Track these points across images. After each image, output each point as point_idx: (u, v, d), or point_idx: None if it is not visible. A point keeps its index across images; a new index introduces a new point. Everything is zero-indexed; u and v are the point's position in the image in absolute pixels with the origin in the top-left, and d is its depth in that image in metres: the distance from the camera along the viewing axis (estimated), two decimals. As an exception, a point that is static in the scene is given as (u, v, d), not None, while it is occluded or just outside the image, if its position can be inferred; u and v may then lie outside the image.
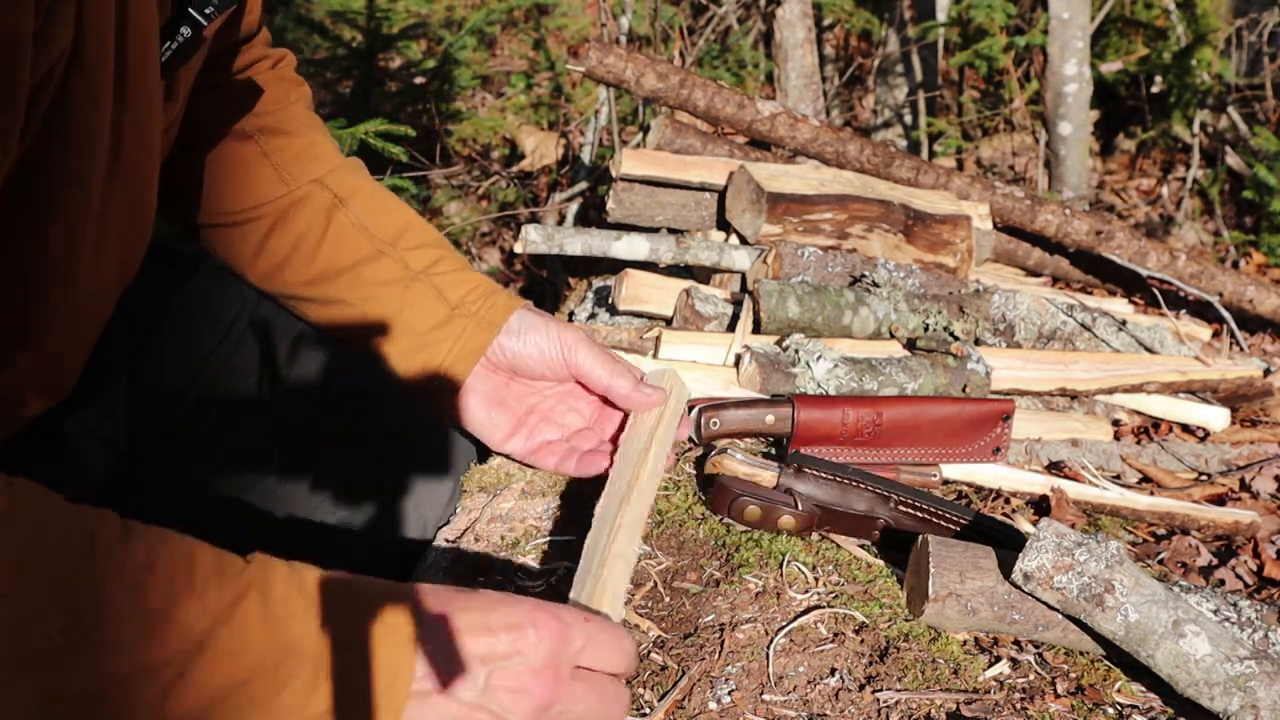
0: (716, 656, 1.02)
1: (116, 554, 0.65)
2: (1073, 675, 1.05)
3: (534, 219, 3.83)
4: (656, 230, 1.91)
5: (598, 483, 1.27)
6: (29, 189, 0.79)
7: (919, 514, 1.22)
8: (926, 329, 1.63)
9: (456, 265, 1.20)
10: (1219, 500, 1.54)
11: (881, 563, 1.20)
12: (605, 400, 1.22)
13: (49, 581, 0.62)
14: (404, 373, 1.18)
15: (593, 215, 3.30)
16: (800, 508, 1.20)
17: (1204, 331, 2.04)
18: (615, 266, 1.85)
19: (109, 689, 0.62)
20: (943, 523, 1.23)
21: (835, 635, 1.07)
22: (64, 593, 0.62)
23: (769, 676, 1.00)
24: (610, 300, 1.72)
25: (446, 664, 0.69)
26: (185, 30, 0.91)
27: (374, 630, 0.69)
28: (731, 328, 1.60)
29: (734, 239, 1.82)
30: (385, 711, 0.68)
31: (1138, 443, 1.68)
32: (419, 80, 3.60)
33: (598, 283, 2.08)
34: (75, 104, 0.79)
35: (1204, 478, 1.60)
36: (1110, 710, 1.01)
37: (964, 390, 1.50)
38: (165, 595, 0.65)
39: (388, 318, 1.17)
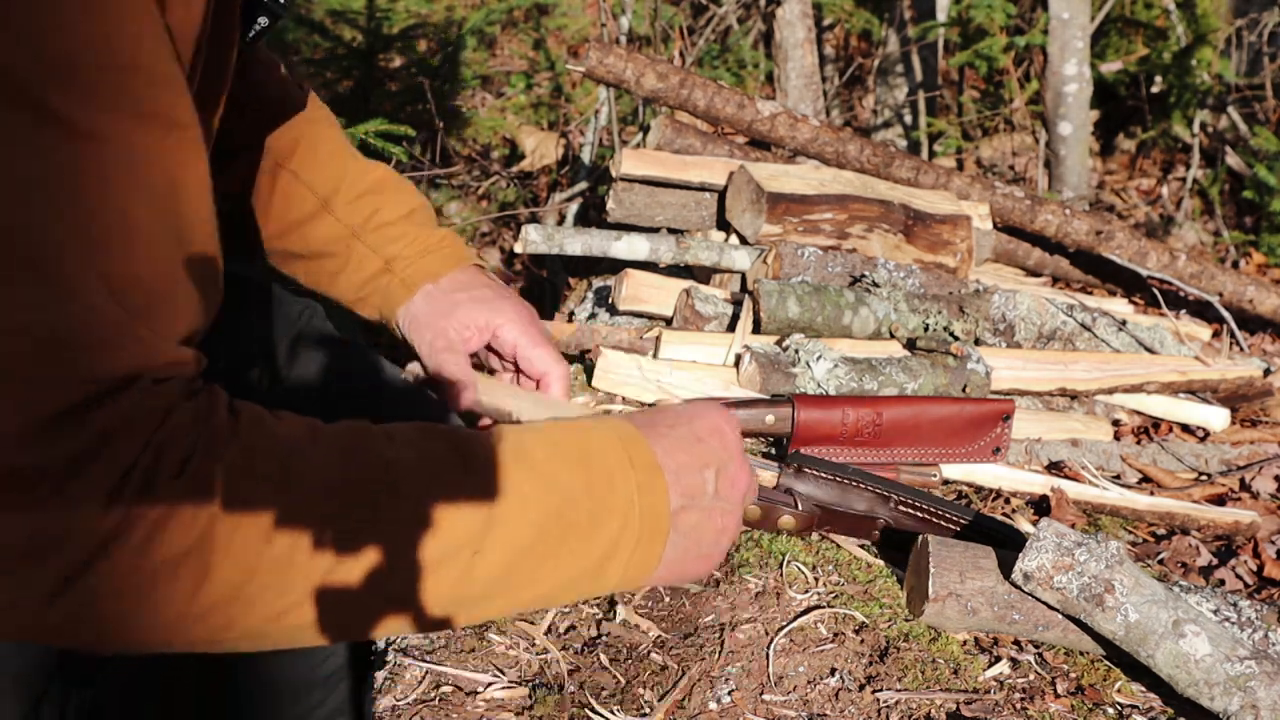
0: (716, 656, 1.02)
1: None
2: (1073, 675, 1.05)
3: (534, 219, 3.83)
4: (656, 230, 1.91)
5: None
6: None
7: (919, 514, 1.22)
8: (926, 329, 1.63)
9: (395, 213, 1.19)
10: (1219, 500, 1.54)
11: (881, 563, 1.20)
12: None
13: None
14: (360, 317, 1.22)
15: (593, 215, 3.30)
16: (800, 508, 1.20)
17: (1204, 331, 2.04)
18: (615, 266, 1.85)
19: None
20: (943, 523, 1.23)
21: (835, 635, 1.07)
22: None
23: (769, 676, 1.00)
24: (610, 300, 1.72)
25: (685, 482, 0.79)
26: (263, 20, 0.90)
27: (630, 469, 0.77)
28: (731, 328, 1.60)
29: (734, 239, 1.82)
30: (658, 537, 0.77)
31: (1138, 443, 1.68)
32: (419, 80, 3.60)
33: (598, 283, 2.09)
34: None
35: (1204, 478, 1.60)
36: (1110, 710, 1.01)
37: (964, 390, 1.50)
38: (444, 484, 0.70)
39: (333, 272, 1.19)
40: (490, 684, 0.98)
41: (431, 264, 1.17)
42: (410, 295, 1.16)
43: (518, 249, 1.73)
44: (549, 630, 1.05)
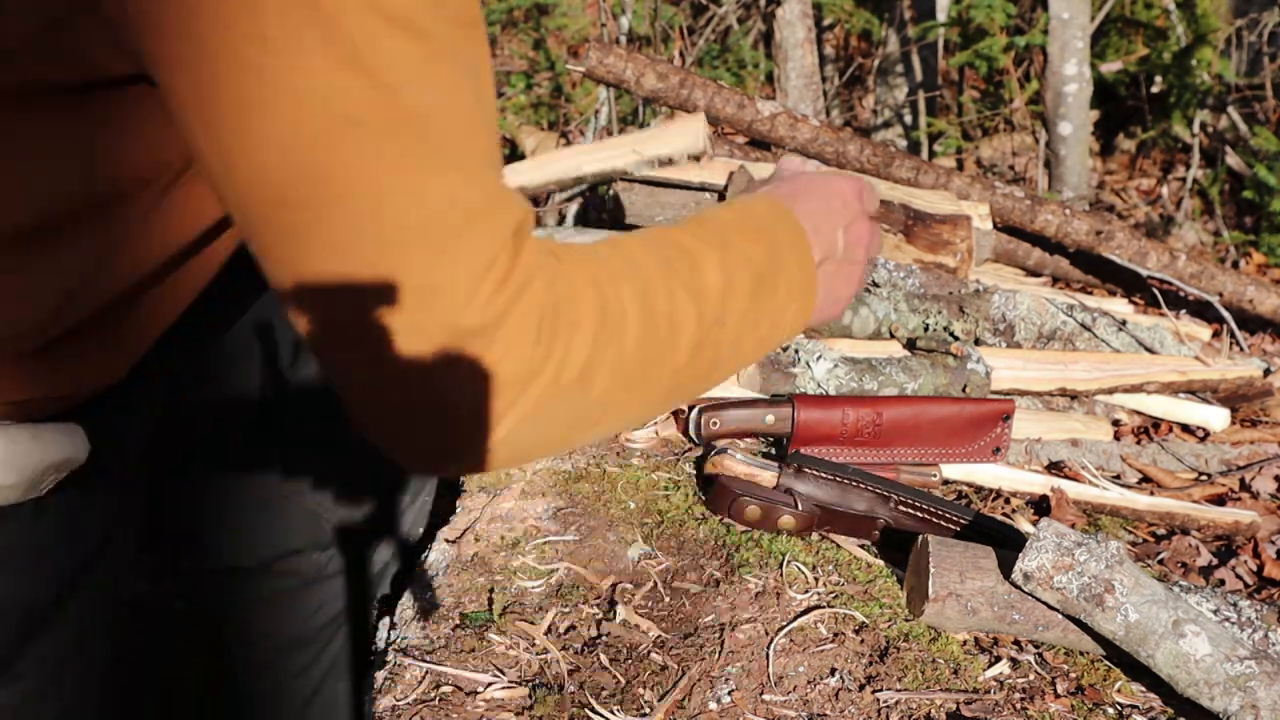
0: (716, 656, 1.02)
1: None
2: (1073, 675, 1.05)
3: (535, 216, 3.82)
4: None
5: (598, 483, 1.28)
6: None
7: (919, 514, 1.22)
8: (926, 329, 1.63)
9: None
10: (1219, 500, 1.54)
11: (881, 563, 1.20)
12: None
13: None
14: None
15: (593, 215, 3.30)
16: (800, 508, 1.20)
17: (1204, 331, 2.04)
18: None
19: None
20: (943, 523, 1.23)
21: (835, 635, 1.07)
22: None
23: (769, 676, 1.00)
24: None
25: (823, 240, 0.95)
26: None
27: (788, 234, 0.93)
28: (731, 328, 1.60)
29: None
30: (810, 287, 0.93)
31: (1138, 443, 1.68)
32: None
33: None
34: None
35: (1204, 478, 1.60)
36: (1110, 710, 1.01)
37: (964, 390, 1.50)
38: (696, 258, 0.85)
39: None
40: (490, 684, 0.98)
41: None
42: None
43: None
44: (549, 630, 1.05)
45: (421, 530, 1.23)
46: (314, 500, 1.22)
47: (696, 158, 1.00)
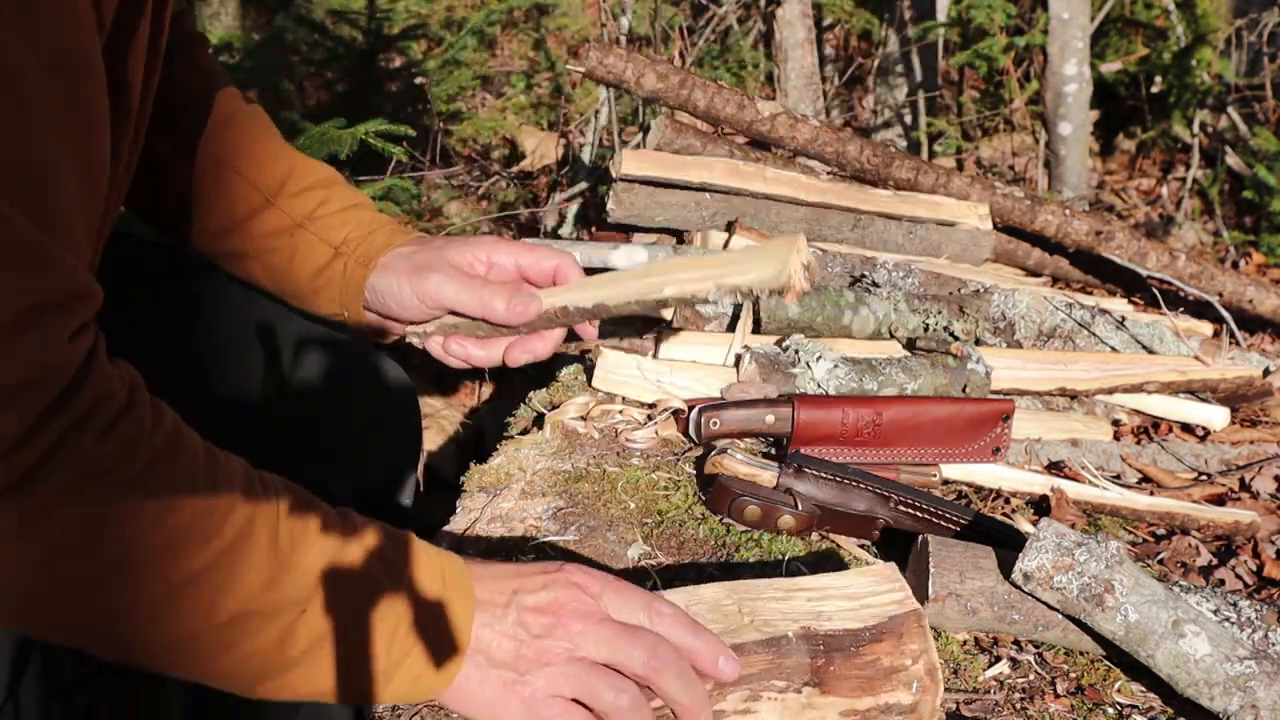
0: (717, 656, 1.02)
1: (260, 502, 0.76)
2: (1073, 675, 1.05)
3: (534, 219, 3.82)
4: (656, 231, 1.91)
5: (598, 483, 1.27)
6: None
7: (919, 514, 1.22)
8: (926, 329, 1.63)
9: (341, 204, 1.17)
10: (1219, 500, 1.54)
11: (881, 563, 1.20)
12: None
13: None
14: (312, 313, 1.20)
15: (593, 215, 3.30)
16: (800, 508, 1.20)
17: (1204, 327, 2.04)
18: (617, 269, 1.85)
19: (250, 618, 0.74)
20: (943, 523, 1.23)
21: (835, 635, 1.07)
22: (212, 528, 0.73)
23: (769, 676, 1.00)
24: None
25: (489, 599, 0.82)
26: None
27: (447, 585, 0.82)
28: (731, 328, 1.60)
29: (734, 243, 1.82)
30: (456, 652, 0.80)
31: (1138, 443, 1.68)
32: (419, 80, 3.60)
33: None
34: None
35: (1204, 478, 1.60)
36: (1110, 710, 1.01)
37: (964, 390, 1.50)
38: (291, 542, 0.76)
39: (282, 267, 1.16)
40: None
41: (381, 237, 1.14)
42: (368, 272, 1.12)
43: None
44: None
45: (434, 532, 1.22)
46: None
47: (780, 292, 0.89)
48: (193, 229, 1.17)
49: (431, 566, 0.82)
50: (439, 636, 0.79)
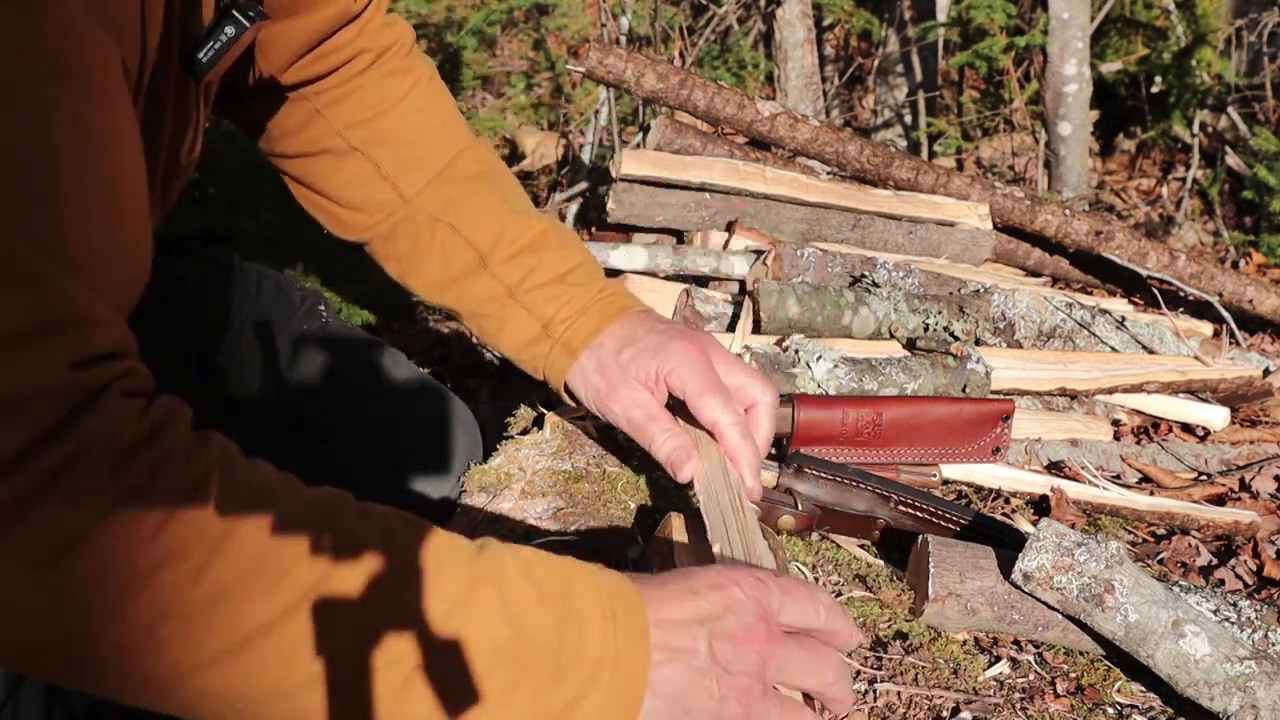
0: (717, 656, 1.02)
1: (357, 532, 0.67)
2: (1073, 675, 1.05)
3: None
4: (656, 233, 1.91)
5: (598, 483, 1.27)
6: None
7: (919, 514, 1.22)
8: (926, 329, 1.63)
9: (551, 274, 1.13)
10: (1219, 500, 1.54)
11: (881, 563, 1.20)
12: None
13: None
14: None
15: (593, 215, 3.30)
16: (800, 508, 1.20)
17: (1204, 327, 2.04)
18: (616, 269, 1.85)
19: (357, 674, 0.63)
20: (943, 523, 1.23)
21: (835, 635, 1.07)
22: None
23: (769, 676, 1.00)
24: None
25: (670, 639, 0.70)
26: (228, 30, 0.89)
27: (611, 623, 0.70)
28: (731, 328, 1.60)
29: (734, 244, 1.82)
30: (631, 699, 0.68)
31: (1138, 443, 1.68)
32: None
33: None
34: None
35: (1204, 478, 1.60)
36: (1110, 710, 1.01)
37: (964, 390, 1.50)
38: (404, 578, 0.65)
39: (492, 333, 1.16)
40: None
41: (590, 321, 1.10)
42: (573, 360, 1.10)
43: None
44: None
45: None
46: None
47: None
48: (415, 283, 1.18)
49: (600, 597, 0.71)
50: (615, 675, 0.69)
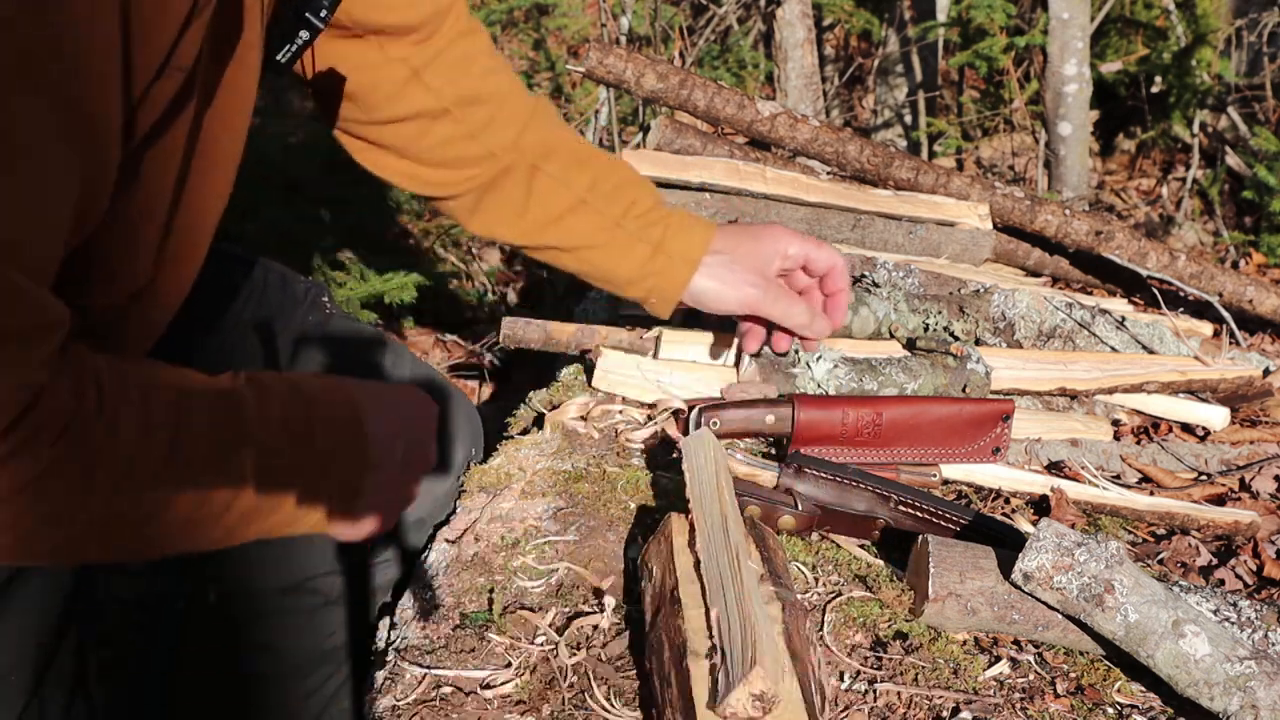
0: (716, 656, 1.02)
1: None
2: (1073, 675, 1.05)
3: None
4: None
5: (598, 483, 1.27)
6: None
7: (919, 514, 1.22)
8: (926, 329, 1.63)
9: (651, 202, 1.31)
10: (1219, 500, 1.54)
11: (881, 563, 1.20)
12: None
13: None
14: (626, 299, 1.37)
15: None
16: (800, 508, 1.20)
17: (1205, 327, 2.04)
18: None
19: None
20: (943, 522, 1.23)
21: (835, 635, 1.07)
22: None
23: (769, 676, 1.00)
24: (611, 302, 1.72)
25: (384, 446, 0.96)
26: (304, 34, 0.99)
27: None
28: (732, 328, 1.60)
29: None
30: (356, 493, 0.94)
31: (1138, 443, 1.68)
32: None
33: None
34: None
35: (1204, 478, 1.60)
36: (1110, 710, 1.01)
37: (964, 390, 1.50)
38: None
39: (597, 262, 1.31)
40: (490, 683, 0.98)
41: (698, 236, 1.30)
42: (695, 269, 1.29)
43: (516, 265, 1.74)
44: (549, 627, 1.05)
45: (423, 542, 1.23)
46: None
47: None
48: (510, 230, 1.30)
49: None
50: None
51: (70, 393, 0.74)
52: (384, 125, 1.23)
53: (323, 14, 0.98)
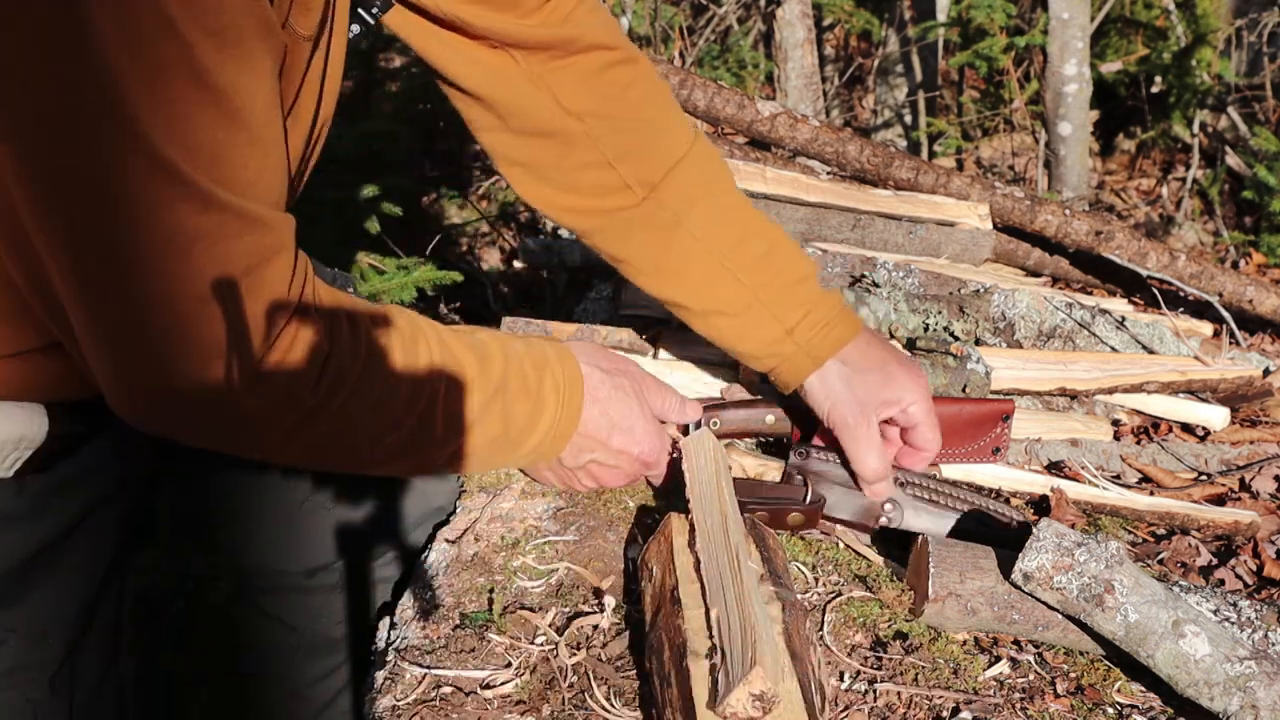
0: (717, 656, 1.02)
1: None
2: (1073, 675, 1.05)
3: (534, 219, 3.83)
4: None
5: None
6: None
7: (928, 494, 1.24)
8: (926, 329, 1.63)
9: (793, 277, 1.23)
10: (1219, 500, 1.54)
11: (881, 562, 1.20)
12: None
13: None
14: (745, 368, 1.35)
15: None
16: (809, 498, 1.20)
17: (1205, 327, 2.04)
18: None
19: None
20: (952, 502, 1.24)
21: (835, 635, 1.07)
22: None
23: (769, 676, 1.00)
24: (611, 302, 1.72)
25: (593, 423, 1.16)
26: (354, 28, 1.00)
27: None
28: (731, 328, 1.60)
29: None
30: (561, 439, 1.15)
31: (1138, 443, 1.68)
32: (420, 80, 3.60)
33: (599, 284, 2.09)
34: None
35: (1204, 478, 1.60)
36: (1110, 710, 1.01)
37: (964, 390, 1.50)
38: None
39: (724, 329, 1.24)
40: (490, 683, 0.98)
41: (835, 334, 1.21)
42: (817, 367, 1.21)
43: (516, 264, 1.74)
44: (549, 627, 1.05)
45: (424, 540, 1.24)
46: (315, 499, 1.23)
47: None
48: (643, 280, 1.25)
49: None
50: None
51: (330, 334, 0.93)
52: (518, 136, 1.21)
53: (374, 10, 1.02)
